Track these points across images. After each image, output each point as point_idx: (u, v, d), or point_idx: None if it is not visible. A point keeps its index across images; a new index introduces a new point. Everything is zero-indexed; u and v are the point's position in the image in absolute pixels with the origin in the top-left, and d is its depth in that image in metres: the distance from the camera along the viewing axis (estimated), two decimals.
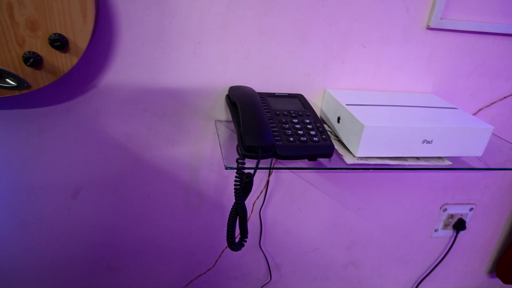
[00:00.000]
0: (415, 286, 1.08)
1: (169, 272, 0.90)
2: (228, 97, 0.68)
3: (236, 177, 0.54)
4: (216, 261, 0.91)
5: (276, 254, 0.93)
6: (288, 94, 0.71)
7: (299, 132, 0.60)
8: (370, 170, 0.72)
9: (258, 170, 0.75)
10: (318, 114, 0.76)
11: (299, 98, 0.71)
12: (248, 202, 0.82)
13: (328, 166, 0.61)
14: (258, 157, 0.53)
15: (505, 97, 0.82)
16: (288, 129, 0.60)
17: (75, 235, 0.79)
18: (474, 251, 1.05)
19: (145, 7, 0.61)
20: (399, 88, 0.77)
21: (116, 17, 0.61)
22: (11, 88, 0.55)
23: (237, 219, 0.58)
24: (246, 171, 0.55)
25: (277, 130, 0.59)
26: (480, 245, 1.04)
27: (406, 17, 0.70)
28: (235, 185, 0.54)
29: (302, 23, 0.67)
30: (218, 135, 0.66)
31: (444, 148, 0.63)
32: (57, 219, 0.76)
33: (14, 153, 0.68)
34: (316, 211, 0.87)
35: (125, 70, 0.65)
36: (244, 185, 0.55)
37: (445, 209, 0.94)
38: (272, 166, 0.58)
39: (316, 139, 0.59)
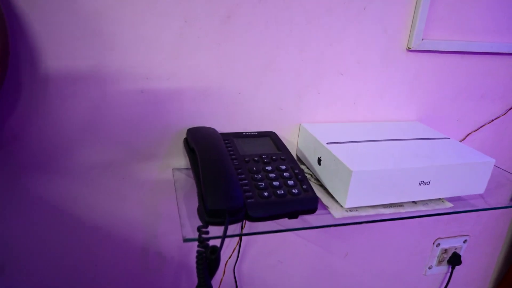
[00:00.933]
0: None
1: None
2: (186, 141, 0.56)
3: (198, 251, 0.42)
4: None
5: None
6: (258, 132, 0.61)
7: (274, 183, 0.48)
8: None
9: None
10: (294, 153, 0.66)
11: (271, 136, 0.60)
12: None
13: (313, 224, 0.50)
14: (225, 223, 0.42)
15: (492, 120, 0.75)
16: (261, 180, 0.49)
17: None
18: (470, 284, 0.96)
19: (77, 38, 0.49)
20: (381, 117, 0.68)
21: (38, 53, 0.48)
22: None
23: None
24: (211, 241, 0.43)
25: (247, 183, 0.48)
26: (476, 277, 0.96)
27: (385, 39, 0.62)
28: (197, 262, 0.42)
29: (269, 50, 0.57)
30: (176, 189, 0.54)
31: (444, 188, 0.54)
32: None
33: None
34: (298, 261, 0.75)
35: (56, 116, 0.52)
36: (209, 263, 0.42)
37: (438, 244, 0.85)
38: (243, 233, 0.46)
39: (296, 191, 0.48)
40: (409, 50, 0.64)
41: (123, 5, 0.49)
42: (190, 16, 0.52)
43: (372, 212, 0.52)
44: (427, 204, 0.55)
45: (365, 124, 0.66)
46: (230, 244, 0.68)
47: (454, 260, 0.87)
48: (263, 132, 0.61)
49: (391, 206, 0.53)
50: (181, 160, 0.60)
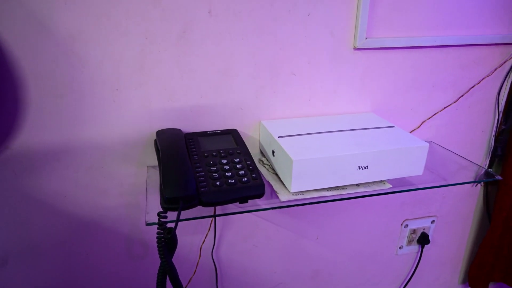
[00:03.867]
0: None
1: None
2: (154, 143, 0.65)
3: (157, 233, 0.50)
4: None
5: None
6: (221, 131, 0.68)
7: (227, 174, 0.56)
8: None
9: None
10: (258, 148, 0.73)
11: (233, 134, 0.68)
12: (195, 245, 0.77)
13: (263, 206, 0.57)
14: (179, 209, 0.50)
15: (445, 107, 0.81)
16: (215, 172, 0.56)
17: None
18: (443, 263, 1.02)
19: (52, 60, 0.57)
20: (337, 110, 0.75)
21: (20, 73, 0.57)
22: None
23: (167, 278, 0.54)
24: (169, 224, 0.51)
25: (203, 175, 0.56)
26: (448, 256, 1.01)
27: (331, 40, 0.69)
28: (157, 243, 0.50)
29: (224, 58, 0.65)
30: (147, 184, 0.62)
31: (382, 171, 0.61)
32: None
33: None
34: (272, 245, 0.83)
35: (38, 127, 0.61)
36: (167, 242, 0.50)
37: (407, 225, 0.92)
38: (197, 216, 0.54)
39: (246, 179, 0.55)
40: (356, 48, 0.70)
41: (91, 29, 0.57)
42: (150, 34, 0.60)
43: (315, 194, 0.59)
44: (369, 186, 0.62)
45: (320, 118, 0.73)
46: (201, 230, 0.76)
47: (423, 239, 0.93)
48: (226, 130, 0.69)
49: (334, 189, 0.60)
50: (155, 159, 0.68)
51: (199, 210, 0.54)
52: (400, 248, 0.94)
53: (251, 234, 0.80)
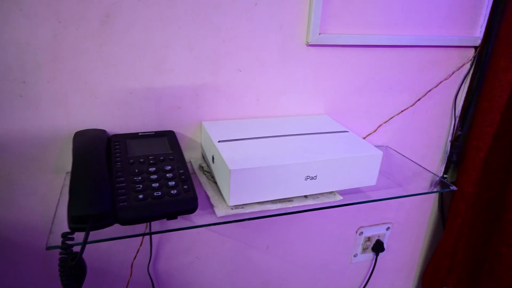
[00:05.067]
0: None
1: None
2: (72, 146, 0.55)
3: (59, 259, 0.41)
4: None
5: None
6: (155, 132, 0.60)
7: (153, 185, 0.48)
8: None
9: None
10: (199, 152, 0.66)
11: (168, 136, 0.59)
12: (127, 262, 0.68)
13: (196, 222, 0.50)
14: (87, 229, 0.41)
15: (402, 111, 0.77)
16: (140, 182, 0.48)
17: None
18: (398, 269, 0.99)
19: None
20: (288, 112, 0.68)
21: None
22: None
23: None
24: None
25: (124, 186, 0.47)
26: (402, 263, 0.99)
27: (281, 34, 0.62)
28: (59, 270, 0.41)
29: (157, 49, 0.56)
30: (61, 194, 0.53)
31: (332, 182, 0.55)
32: None
33: None
34: (217, 256, 0.76)
35: None
36: (72, 269, 0.42)
37: (361, 232, 0.87)
38: (116, 237, 0.46)
39: (175, 191, 0.47)
40: (309, 45, 0.64)
41: None
42: (64, 17, 0.50)
43: (258, 208, 0.52)
44: (318, 197, 0.56)
45: (269, 120, 0.66)
46: (133, 245, 0.67)
47: (378, 247, 0.89)
48: (161, 131, 0.60)
49: (279, 202, 0.54)
50: None
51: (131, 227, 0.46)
52: (354, 256, 0.90)
53: (192, 246, 0.72)
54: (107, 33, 0.53)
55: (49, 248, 0.42)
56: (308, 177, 0.53)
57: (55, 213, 0.48)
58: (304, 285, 0.88)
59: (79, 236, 0.41)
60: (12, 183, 0.56)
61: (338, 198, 0.56)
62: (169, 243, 0.70)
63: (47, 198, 0.59)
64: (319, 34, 0.63)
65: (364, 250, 0.90)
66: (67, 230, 0.42)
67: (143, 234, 0.48)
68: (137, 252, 0.67)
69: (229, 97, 0.63)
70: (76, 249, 0.42)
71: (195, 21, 0.56)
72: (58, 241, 0.42)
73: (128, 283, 0.69)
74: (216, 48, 0.59)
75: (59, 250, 0.41)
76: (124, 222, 0.44)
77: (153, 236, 0.68)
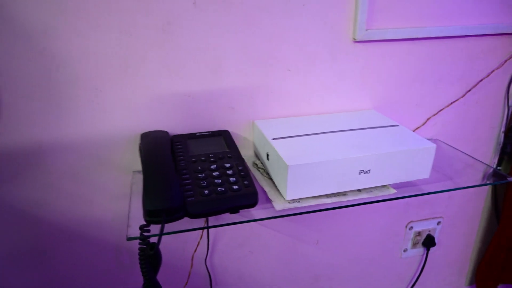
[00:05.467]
0: None
1: None
2: (139, 147, 0.60)
3: (139, 249, 0.45)
4: None
5: None
6: (211, 132, 0.63)
7: (216, 181, 0.51)
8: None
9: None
10: (252, 150, 0.69)
11: (224, 135, 0.63)
12: (187, 254, 0.72)
13: (256, 216, 0.53)
14: (162, 222, 0.45)
15: (452, 102, 0.76)
16: (204, 179, 0.52)
17: None
18: (449, 265, 0.98)
19: (24, 58, 0.52)
20: (336, 108, 0.70)
21: None
22: None
23: None
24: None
25: (190, 183, 0.51)
26: (454, 257, 0.97)
27: (329, 32, 0.63)
28: (139, 259, 0.45)
29: (213, 54, 0.59)
30: (131, 191, 0.57)
31: (385, 176, 0.56)
32: None
33: None
34: (269, 251, 0.79)
35: (12, 130, 0.56)
36: (150, 258, 0.46)
37: (411, 227, 0.87)
38: (184, 229, 0.49)
39: (237, 187, 0.51)
40: (356, 41, 0.65)
41: (67, 25, 0.52)
42: (132, 28, 0.54)
43: (314, 202, 0.54)
44: (371, 191, 0.57)
45: (319, 116, 0.68)
46: (193, 238, 0.71)
47: (429, 242, 0.88)
48: (217, 131, 0.64)
49: (334, 196, 0.56)
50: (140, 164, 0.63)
51: (188, 221, 0.49)
52: (404, 251, 0.89)
53: (246, 240, 0.76)
54: (169, 42, 0.57)
55: (129, 239, 0.46)
56: (362, 171, 0.54)
57: (129, 208, 0.53)
58: (354, 280, 0.89)
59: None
60: (84, 181, 0.62)
61: (392, 192, 0.57)
62: (224, 238, 0.74)
63: (115, 194, 0.64)
64: (366, 30, 0.64)
65: (414, 245, 0.89)
66: (142, 223, 0.46)
67: (210, 227, 0.52)
68: (197, 245, 0.71)
69: (280, 96, 0.66)
70: (152, 239, 0.46)
71: (248, 26, 0.59)
72: (135, 233, 0.47)
73: (189, 274, 0.73)
74: (268, 50, 0.62)
75: (130, 242, 0.46)
76: (193, 216, 0.48)
77: (210, 230, 0.72)
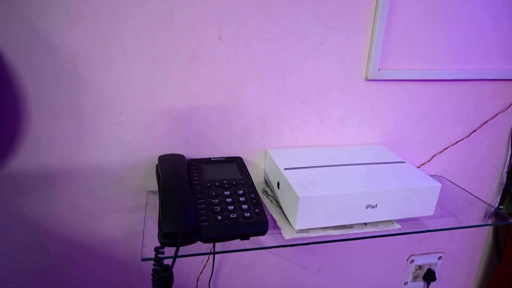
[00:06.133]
0: None
1: None
2: (156, 168, 0.62)
3: (153, 270, 0.47)
4: None
5: None
6: (225, 158, 0.66)
7: (229, 207, 0.54)
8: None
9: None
10: (262, 177, 0.71)
11: (237, 162, 0.65)
12: (192, 274, 0.74)
13: (265, 244, 0.55)
14: (177, 245, 0.47)
15: (457, 141, 0.79)
16: (217, 205, 0.54)
17: None
18: None
19: (54, 81, 0.56)
20: (345, 141, 0.73)
21: (21, 91, 0.55)
22: None
23: None
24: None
25: (204, 208, 0.53)
26: None
27: (342, 70, 0.67)
28: (152, 280, 0.47)
29: (231, 84, 0.63)
30: (145, 211, 0.60)
31: (391, 211, 0.58)
32: None
33: None
34: (272, 276, 0.80)
35: (38, 148, 0.59)
36: (163, 279, 0.48)
37: (412, 261, 0.88)
38: (195, 253, 0.51)
39: (248, 214, 0.53)
40: (368, 79, 0.68)
41: (97, 51, 0.56)
42: (158, 57, 0.58)
43: (321, 233, 0.56)
44: (377, 225, 0.59)
45: (328, 149, 0.71)
46: (199, 259, 0.73)
47: (429, 276, 0.89)
48: (230, 157, 0.66)
49: (341, 228, 0.58)
50: (155, 184, 0.66)
51: (197, 245, 0.51)
52: (405, 284, 0.90)
53: (251, 265, 0.77)
54: (191, 70, 0.60)
55: (144, 259, 0.48)
56: (369, 205, 0.57)
57: (144, 228, 0.55)
58: None
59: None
60: (102, 199, 0.64)
61: (396, 227, 0.59)
62: (229, 260, 0.75)
63: (129, 213, 0.67)
64: (378, 70, 0.67)
65: (415, 278, 0.90)
66: (157, 244, 0.49)
67: (218, 252, 0.54)
68: (203, 267, 0.73)
69: (292, 127, 0.69)
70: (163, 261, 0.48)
71: (266, 60, 0.62)
72: (149, 253, 0.49)
73: None
74: (283, 83, 0.65)
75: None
76: (206, 240, 0.50)
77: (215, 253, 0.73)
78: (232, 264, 0.76)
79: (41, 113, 0.57)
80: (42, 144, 0.59)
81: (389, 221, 0.60)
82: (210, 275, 0.75)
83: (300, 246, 0.78)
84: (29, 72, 0.55)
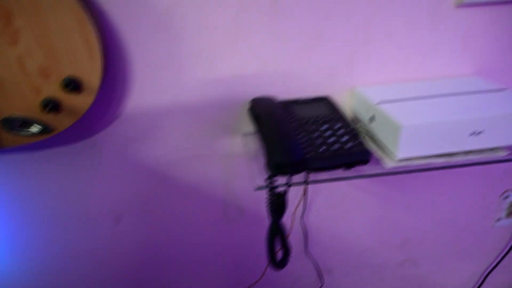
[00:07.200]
0: (482, 279, 0.99)
1: (217, 286, 0.89)
2: (250, 110, 0.65)
3: (270, 196, 0.52)
4: (265, 271, 0.89)
5: (325, 258, 0.89)
6: (313, 98, 0.67)
7: (329, 140, 0.56)
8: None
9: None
10: (349, 114, 0.71)
11: (326, 100, 0.66)
12: (289, 210, 0.79)
13: (367, 173, 0.56)
14: (289, 174, 0.50)
15: None
16: (318, 138, 0.56)
17: (121, 256, 0.80)
18: None
19: (152, 33, 0.60)
20: (437, 74, 0.70)
21: (123, 47, 0.60)
22: (37, 133, 0.56)
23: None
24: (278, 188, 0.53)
25: (305, 141, 0.56)
26: None
27: None
28: (268, 206, 0.51)
29: (317, 23, 0.62)
30: (247, 151, 0.64)
31: (496, 138, 0.56)
32: (102, 245, 0.78)
33: (57, 187, 0.71)
34: (360, 213, 0.82)
35: (141, 97, 0.64)
36: (278, 206, 0.52)
37: (507, 196, 0.85)
38: (306, 181, 0.54)
39: (349, 145, 0.54)
40: (458, 5, 0.64)
41: (187, 2, 0.58)
42: (243, 2, 0.59)
43: (423, 162, 0.56)
44: (480, 153, 0.58)
45: (419, 82, 0.69)
46: (292, 197, 0.77)
47: None
48: (318, 97, 0.67)
49: (443, 156, 0.57)
50: (249, 127, 0.69)
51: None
52: (497, 220, 0.88)
53: (340, 202, 0.80)
54: (277, 11, 0.61)
55: (258, 188, 0.52)
56: (473, 132, 0.55)
57: (251, 164, 0.59)
58: (444, 244, 0.90)
59: None
60: (201, 143, 0.70)
61: (501, 154, 0.57)
62: (320, 198, 0.79)
63: (228, 154, 0.72)
64: None
65: (509, 215, 0.87)
66: (263, 177, 0.52)
67: (329, 180, 0.56)
68: (299, 202, 0.77)
69: (379, 62, 0.67)
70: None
71: None
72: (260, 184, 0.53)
73: (291, 229, 0.80)
74: (370, 18, 0.63)
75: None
76: (312, 170, 0.53)
77: (307, 190, 0.77)
78: (322, 202, 0.79)
79: (141, 64, 0.62)
80: (145, 94, 0.64)
81: (493, 148, 0.58)
82: (302, 211, 0.79)
83: (388, 182, 0.79)
84: (129, 25, 0.59)
